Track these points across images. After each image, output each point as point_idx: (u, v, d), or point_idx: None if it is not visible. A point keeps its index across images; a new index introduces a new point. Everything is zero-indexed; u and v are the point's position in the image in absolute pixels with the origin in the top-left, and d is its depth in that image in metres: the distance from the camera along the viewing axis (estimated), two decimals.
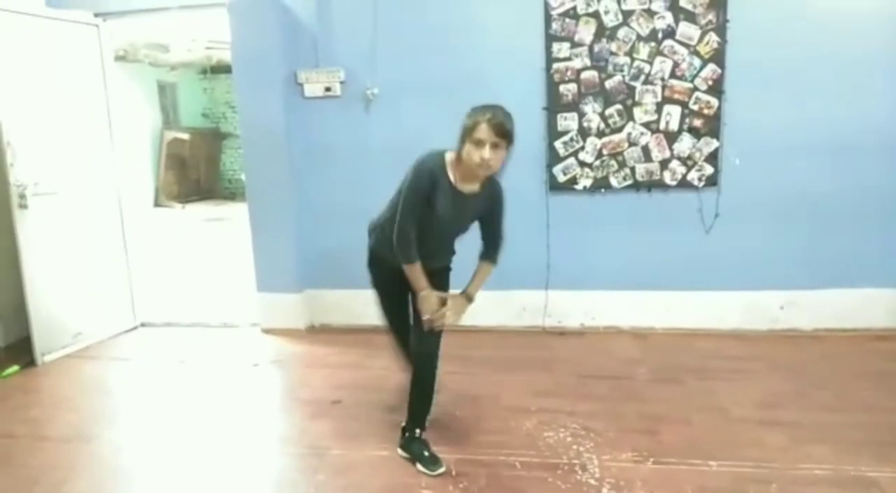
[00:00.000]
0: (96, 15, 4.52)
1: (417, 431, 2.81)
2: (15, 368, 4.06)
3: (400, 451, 2.84)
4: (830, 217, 4.15)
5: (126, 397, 3.77)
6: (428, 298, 2.71)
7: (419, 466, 2.74)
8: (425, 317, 2.72)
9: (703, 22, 4.02)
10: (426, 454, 2.76)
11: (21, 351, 4.26)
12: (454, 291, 2.85)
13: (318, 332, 4.67)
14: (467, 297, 2.80)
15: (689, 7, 4.02)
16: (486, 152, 2.45)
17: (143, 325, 4.94)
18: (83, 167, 4.47)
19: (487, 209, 2.73)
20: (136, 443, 3.17)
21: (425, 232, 2.66)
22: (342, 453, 2.92)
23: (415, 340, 2.81)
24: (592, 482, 2.64)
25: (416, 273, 2.70)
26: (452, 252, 2.93)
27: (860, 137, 4.03)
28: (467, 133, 2.49)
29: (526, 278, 4.45)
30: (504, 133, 2.46)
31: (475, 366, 3.87)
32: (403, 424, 2.88)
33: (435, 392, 2.83)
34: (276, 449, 3.06)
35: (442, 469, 2.71)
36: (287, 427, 3.32)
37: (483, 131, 2.45)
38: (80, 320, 4.44)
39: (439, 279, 2.82)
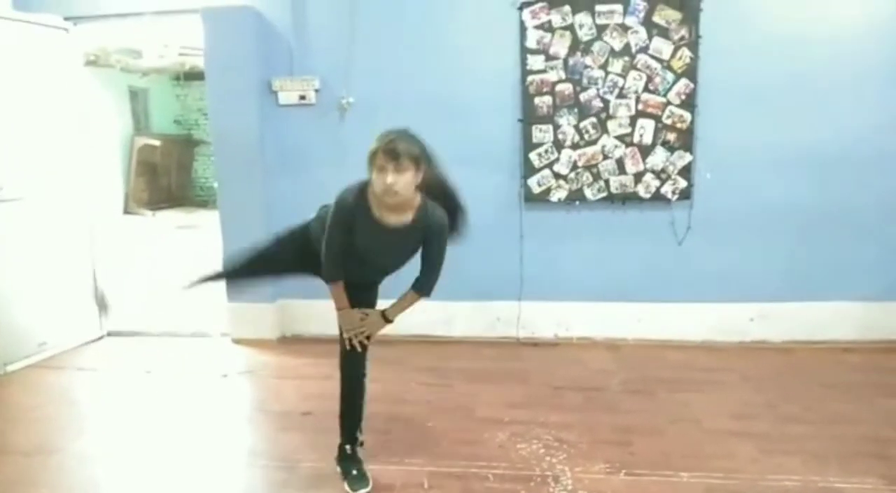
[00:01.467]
0: (66, 19, 4.45)
1: (348, 447, 2.73)
2: None
3: (335, 463, 2.78)
4: (801, 231, 4.22)
5: (92, 409, 3.68)
6: (347, 314, 2.66)
7: (345, 485, 2.66)
8: (346, 334, 2.66)
9: (675, 37, 4.08)
10: (354, 472, 2.68)
11: None
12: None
13: (289, 342, 4.62)
14: (385, 318, 2.68)
15: (663, 23, 4.07)
16: (389, 177, 2.35)
17: (109, 334, 4.84)
18: (50, 173, 4.38)
19: (423, 241, 2.58)
20: (102, 456, 3.09)
21: (351, 261, 2.60)
22: (313, 465, 2.88)
23: (343, 362, 2.71)
24: None
25: (337, 292, 2.66)
26: (382, 277, 2.80)
27: (831, 152, 4.11)
28: (369, 160, 2.42)
29: (500, 290, 4.46)
30: (397, 154, 2.34)
31: (449, 377, 3.85)
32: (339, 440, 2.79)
33: (364, 408, 2.74)
34: (245, 462, 3.00)
35: (364, 490, 2.63)
36: (256, 440, 3.26)
37: (381, 158, 2.37)
38: (44, 329, 4.34)
39: (367, 294, 2.76)
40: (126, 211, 12.65)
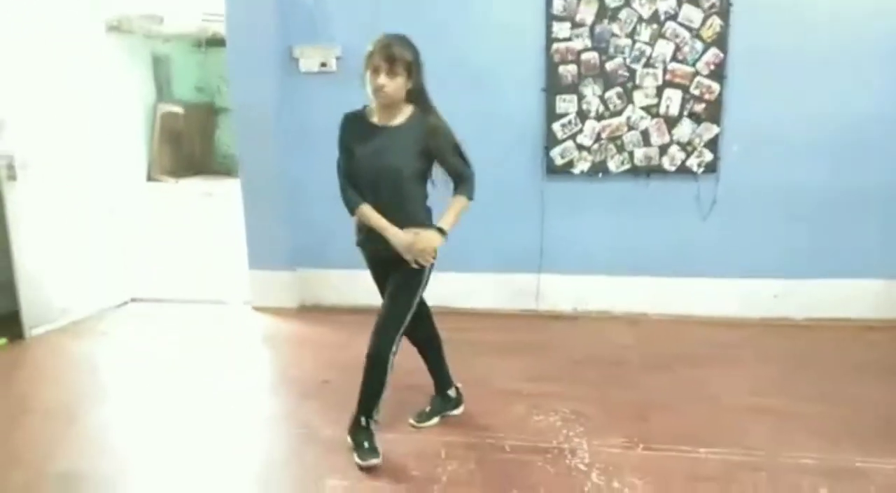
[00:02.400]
0: None
1: (363, 419, 2.69)
2: (2, 341, 4.02)
3: (347, 436, 2.75)
4: (828, 207, 4.12)
5: (113, 374, 3.75)
6: (396, 235, 2.59)
7: (354, 455, 2.66)
8: (407, 256, 2.59)
9: (706, 5, 3.95)
10: (366, 444, 2.66)
11: (9, 324, 4.20)
12: None
13: (309, 311, 4.64)
14: (438, 229, 2.62)
15: None
16: (381, 78, 2.46)
17: (133, 300, 4.90)
18: (73, 139, 4.40)
19: (422, 146, 2.58)
20: (123, 420, 3.15)
21: (360, 182, 2.63)
22: (332, 433, 2.90)
23: (373, 335, 2.65)
24: (582, 466, 2.63)
25: (366, 215, 2.62)
26: (406, 212, 2.64)
27: (862, 128, 3.99)
28: (365, 61, 2.52)
29: (520, 262, 4.43)
30: (393, 58, 2.46)
31: (467, 349, 3.84)
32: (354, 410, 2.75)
33: (385, 387, 2.66)
34: (266, 429, 3.04)
35: (374, 461, 2.61)
36: (277, 407, 3.30)
37: (375, 58, 2.48)
38: (68, 295, 4.40)
39: (397, 267, 2.66)
40: (150, 178, 12.75)
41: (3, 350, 3.97)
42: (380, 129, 2.60)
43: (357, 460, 2.64)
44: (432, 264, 2.68)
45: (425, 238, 2.59)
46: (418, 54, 2.56)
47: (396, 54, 2.46)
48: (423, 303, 2.85)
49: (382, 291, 2.78)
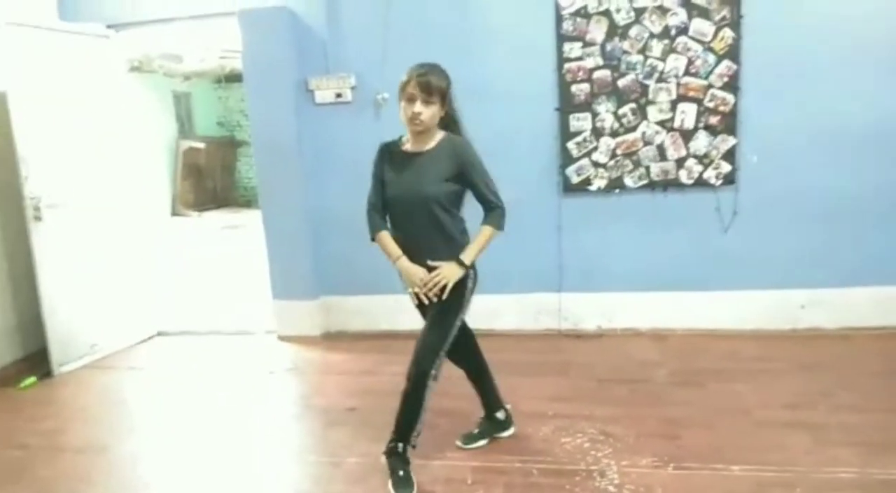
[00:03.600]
0: (108, 26, 4.55)
1: (401, 445, 2.66)
2: (32, 379, 4.08)
3: (383, 456, 2.72)
4: (852, 214, 4.06)
5: (142, 408, 3.78)
6: (407, 269, 2.60)
7: (389, 483, 2.63)
8: (413, 290, 2.61)
9: (716, 18, 3.96)
10: (401, 473, 2.63)
11: (38, 362, 4.28)
12: None
13: (333, 338, 4.65)
14: (461, 263, 2.58)
15: (703, 3, 3.95)
16: (417, 106, 2.50)
17: (159, 334, 4.95)
18: (98, 178, 4.50)
19: (453, 169, 2.57)
20: (153, 453, 3.17)
21: (395, 211, 2.67)
22: (358, 461, 2.90)
23: (413, 357, 2.63)
24: (611, 488, 2.59)
25: (383, 243, 2.67)
26: (442, 238, 2.62)
27: (882, 133, 3.94)
28: (400, 91, 2.56)
29: (541, 281, 4.41)
30: (430, 89, 2.50)
31: (492, 371, 3.82)
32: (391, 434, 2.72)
33: (424, 411, 2.63)
34: (292, 458, 3.04)
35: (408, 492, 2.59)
36: (303, 436, 3.30)
37: (411, 87, 2.51)
38: (96, 331, 4.46)
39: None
40: (174, 213, 12.95)
41: (33, 388, 4.02)
42: (412, 155, 2.63)
43: (391, 488, 2.61)
44: (474, 285, 2.71)
45: (444, 272, 2.57)
46: (450, 82, 2.60)
47: (432, 83, 2.51)
48: (465, 326, 2.84)
49: (423, 313, 2.77)
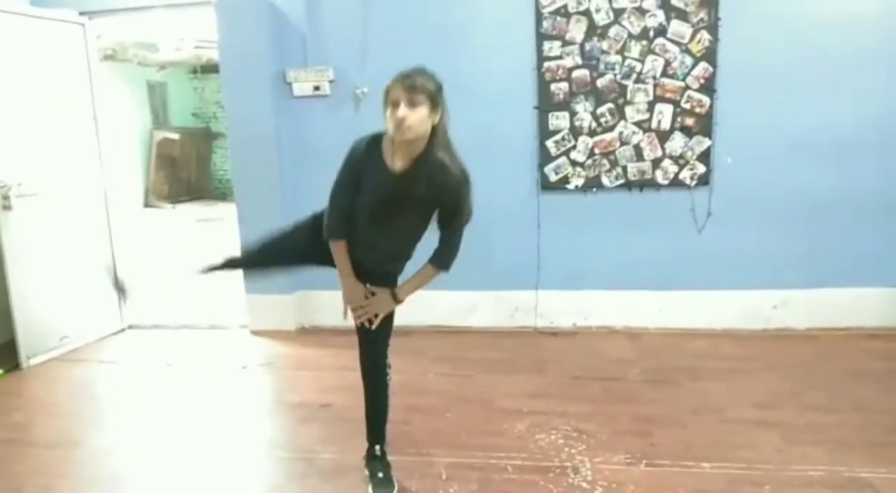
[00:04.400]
0: (81, 13, 4.46)
1: (377, 447, 2.66)
2: None
3: (364, 465, 2.71)
4: (824, 216, 4.13)
5: (113, 401, 3.72)
6: (351, 285, 2.52)
7: (369, 487, 2.60)
8: (348, 306, 2.56)
9: (694, 20, 4.00)
10: (380, 475, 2.61)
11: (5, 354, 4.18)
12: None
13: (308, 333, 4.62)
14: (395, 296, 2.51)
15: (681, 5, 3.99)
16: (401, 110, 2.20)
17: (130, 327, 4.88)
18: (69, 168, 4.41)
19: (434, 198, 2.34)
20: (124, 448, 3.12)
21: (359, 219, 2.42)
22: (332, 457, 2.88)
23: (362, 358, 2.62)
24: (584, 485, 2.61)
25: (340, 253, 2.48)
26: (396, 259, 2.58)
27: (855, 136, 4.02)
28: (384, 98, 2.28)
29: (518, 279, 4.43)
30: (415, 88, 2.21)
31: (467, 367, 3.84)
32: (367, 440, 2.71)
33: (389, 406, 2.66)
34: (265, 454, 3.01)
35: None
36: (276, 431, 3.27)
37: (395, 90, 2.24)
38: (66, 323, 4.38)
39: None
40: (147, 204, 12.77)
41: (0, 381, 3.94)
42: (393, 176, 2.33)
43: (370, 491, 2.59)
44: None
45: (377, 304, 2.52)
46: (441, 87, 2.32)
47: (418, 83, 2.23)
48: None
49: (301, 249, 2.72)
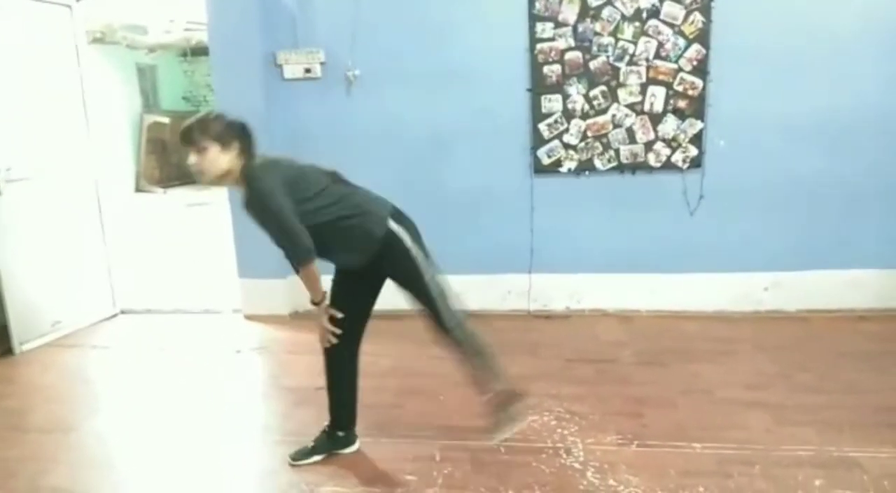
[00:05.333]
0: None
1: (490, 394, 2.66)
2: None
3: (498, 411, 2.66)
4: (816, 199, 4.15)
5: (106, 386, 3.72)
6: (326, 313, 2.62)
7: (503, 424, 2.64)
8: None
9: (687, 1, 3.98)
10: (502, 414, 2.65)
11: None
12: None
13: (301, 318, 4.62)
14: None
15: None
16: (190, 159, 2.39)
17: (123, 312, 4.87)
18: (58, 152, 4.38)
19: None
20: (117, 433, 3.13)
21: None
22: None
23: (432, 335, 2.67)
24: (576, 465, 2.64)
25: (313, 274, 2.53)
26: (341, 251, 2.59)
27: (848, 119, 4.02)
28: None
29: (510, 262, 4.43)
30: (191, 141, 2.36)
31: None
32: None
33: (485, 351, 2.69)
34: (260, 437, 3.03)
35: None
36: (270, 415, 3.28)
37: (184, 148, 2.41)
38: (58, 308, 4.37)
39: (370, 278, 2.65)
40: (138, 189, 12.70)
41: None
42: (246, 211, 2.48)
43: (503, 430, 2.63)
44: (409, 238, 2.55)
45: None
46: (228, 124, 2.45)
47: (194, 131, 2.37)
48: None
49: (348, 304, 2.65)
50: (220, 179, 2.45)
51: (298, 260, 2.45)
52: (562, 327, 4.28)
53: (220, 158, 2.39)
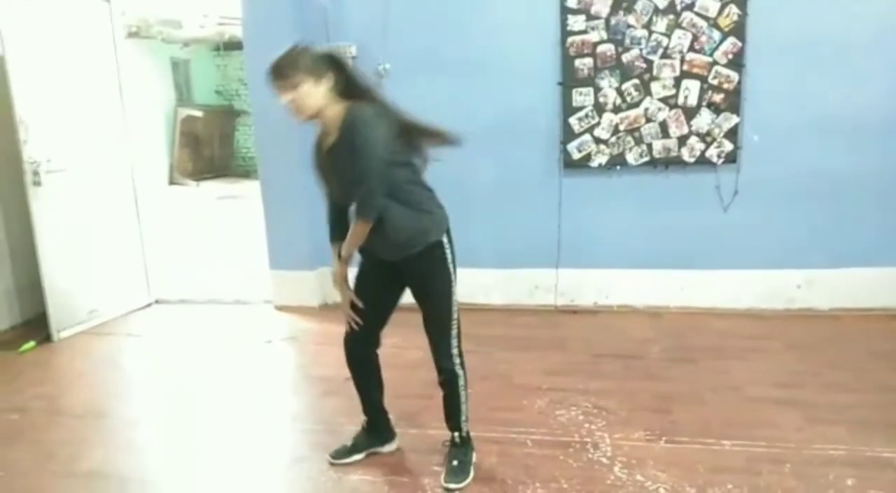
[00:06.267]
0: None
1: (455, 435, 2.63)
2: (31, 343, 4.10)
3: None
4: (851, 196, 4.06)
5: (141, 374, 3.81)
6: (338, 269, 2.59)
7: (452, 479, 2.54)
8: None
9: None
10: (455, 463, 2.58)
11: (37, 327, 4.30)
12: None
13: (331, 309, 4.66)
14: (339, 256, 2.52)
15: None
16: (282, 99, 2.29)
17: (157, 302, 4.97)
18: (96, 144, 4.48)
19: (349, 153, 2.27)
20: (149, 419, 3.20)
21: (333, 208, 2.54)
22: (355, 429, 2.90)
23: (433, 357, 2.63)
24: (604, 460, 2.63)
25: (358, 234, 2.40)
26: (388, 233, 2.42)
27: (885, 115, 3.93)
28: None
29: (538, 257, 4.42)
30: (281, 74, 2.26)
31: (487, 344, 3.85)
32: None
33: (466, 396, 2.63)
34: (288, 426, 3.07)
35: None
36: (299, 404, 3.33)
37: (272, 88, 2.33)
38: (95, 297, 4.48)
39: (400, 276, 2.54)
40: (171, 182, 12.91)
41: (32, 352, 4.04)
42: (322, 150, 2.41)
43: (451, 485, 2.51)
44: (451, 257, 2.47)
45: (337, 277, 2.60)
46: (314, 53, 2.33)
47: (282, 67, 2.29)
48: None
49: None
50: (314, 117, 2.33)
51: (361, 215, 2.31)
52: (589, 322, 4.26)
53: (315, 92, 2.27)
